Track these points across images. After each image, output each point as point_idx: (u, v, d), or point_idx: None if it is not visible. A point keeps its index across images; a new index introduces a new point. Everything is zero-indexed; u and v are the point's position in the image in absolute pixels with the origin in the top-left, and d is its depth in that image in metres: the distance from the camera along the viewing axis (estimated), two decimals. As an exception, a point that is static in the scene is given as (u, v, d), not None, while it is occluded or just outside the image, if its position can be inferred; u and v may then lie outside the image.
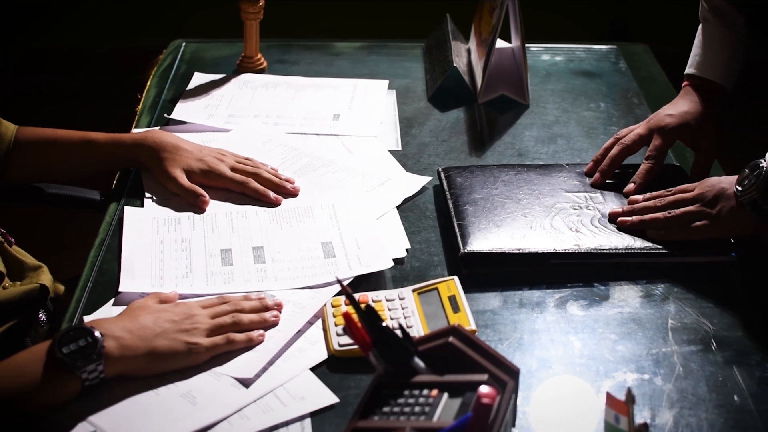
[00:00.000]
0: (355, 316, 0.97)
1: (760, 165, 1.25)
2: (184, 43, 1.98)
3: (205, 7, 3.45)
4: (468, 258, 1.29)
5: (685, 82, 1.55)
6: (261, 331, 1.16)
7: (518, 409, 1.05)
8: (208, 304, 1.18)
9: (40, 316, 1.39)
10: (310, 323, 1.19)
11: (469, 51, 1.88)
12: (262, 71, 1.85)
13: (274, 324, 1.18)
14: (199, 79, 1.81)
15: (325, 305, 1.20)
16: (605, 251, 1.30)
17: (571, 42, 2.02)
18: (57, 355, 1.03)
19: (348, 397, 1.08)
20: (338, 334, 1.15)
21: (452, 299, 1.19)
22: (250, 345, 1.14)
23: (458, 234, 1.33)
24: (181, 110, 1.69)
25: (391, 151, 1.59)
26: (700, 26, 1.58)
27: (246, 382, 1.09)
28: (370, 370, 0.99)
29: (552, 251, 1.29)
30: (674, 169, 1.50)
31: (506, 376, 0.96)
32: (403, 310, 1.19)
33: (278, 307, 1.20)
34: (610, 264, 1.30)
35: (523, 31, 1.73)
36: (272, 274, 1.27)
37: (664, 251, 1.30)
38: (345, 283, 1.21)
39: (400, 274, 1.30)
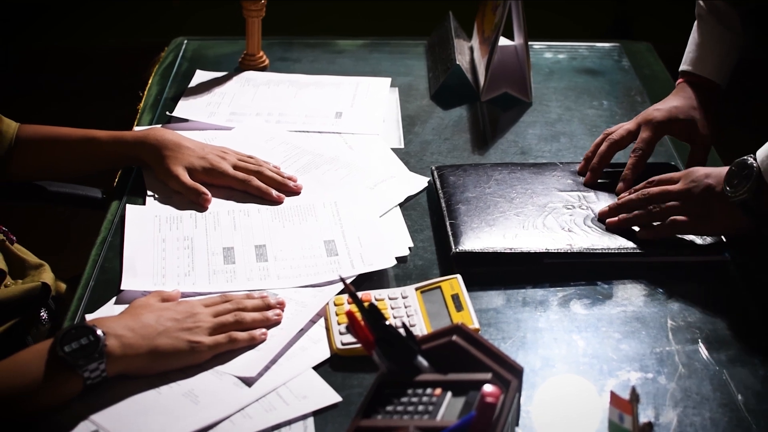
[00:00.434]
0: (358, 315, 0.97)
1: (749, 163, 1.24)
2: (185, 41, 1.97)
3: (206, 5, 3.45)
4: (460, 257, 1.29)
5: (679, 80, 1.55)
6: (263, 330, 1.15)
7: (522, 408, 1.05)
8: (211, 303, 1.17)
9: (41, 314, 1.38)
10: (312, 322, 1.19)
11: (471, 49, 1.88)
12: (264, 69, 1.85)
13: (277, 322, 1.18)
14: (200, 76, 1.81)
15: (327, 304, 1.20)
16: (598, 251, 1.29)
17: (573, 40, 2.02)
18: (59, 353, 1.02)
19: (351, 396, 1.08)
20: (341, 333, 1.14)
21: (455, 298, 1.19)
22: (252, 344, 1.14)
23: (450, 233, 1.32)
24: (183, 108, 1.69)
25: (393, 149, 1.59)
26: (695, 23, 1.57)
27: (248, 381, 1.09)
28: (373, 369, 0.99)
29: (544, 251, 1.29)
30: (669, 168, 1.49)
31: (510, 374, 0.96)
32: (406, 309, 1.19)
33: (281, 305, 1.20)
34: (604, 263, 1.30)
35: (526, 29, 1.72)
36: (275, 273, 1.27)
37: (655, 251, 1.30)
38: (348, 281, 1.20)
39: (403, 272, 1.29)
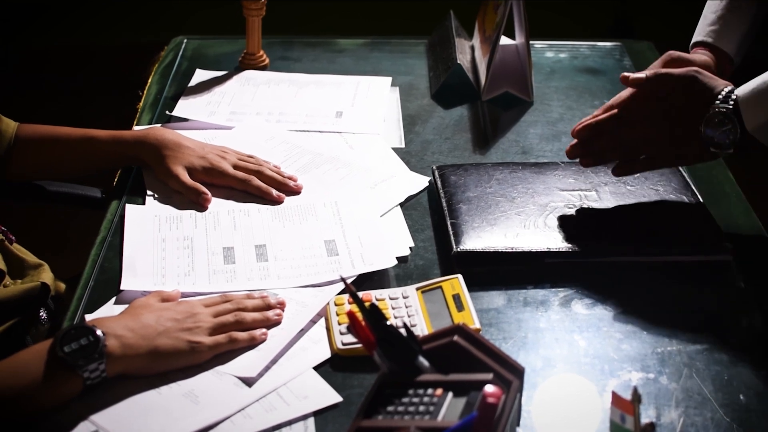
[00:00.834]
0: (359, 315, 0.96)
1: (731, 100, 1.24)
2: (185, 40, 1.97)
3: (207, 4, 3.45)
4: (461, 257, 1.29)
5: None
6: (264, 330, 1.15)
7: (523, 408, 1.05)
8: (211, 303, 1.17)
9: (41, 314, 1.38)
10: (313, 322, 1.18)
11: (472, 48, 1.87)
12: (264, 68, 1.85)
13: (277, 323, 1.17)
14: (200, 76, 1.80)
15: (328, 304, 1.20)
16: (598, 250, 1.29)
17: (574, 39, 2.02)
18: (58, 354, 1.02)
19: (351, 396, 1.07)
20: (341, 333, 1.14)
21: (456, 298, 1.19)
22: (252, 344, 1.13)
23: (451, 233, 1.32)
24: (183, 107, 1.69)
25: (394, 149, 1.58)
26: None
27: (249, 381, 1.08)
28: (374, 369, 0.98)
29: (546, 250, 1.28)
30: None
31: (511, 375, 0.96)
32: (407, 309, 1.18)
33: (281, 305, 1.19)
34: (605, 263, 1.29)
35: (528, 28, 1.72)
36: (275, 273, 1.27)
37: (659, 250, 1.29)
38: (348, 281, 1.20)
39: (404, 272, 1.29)
